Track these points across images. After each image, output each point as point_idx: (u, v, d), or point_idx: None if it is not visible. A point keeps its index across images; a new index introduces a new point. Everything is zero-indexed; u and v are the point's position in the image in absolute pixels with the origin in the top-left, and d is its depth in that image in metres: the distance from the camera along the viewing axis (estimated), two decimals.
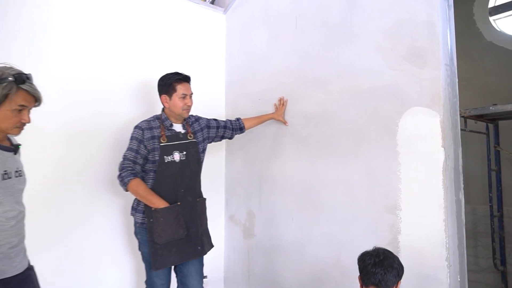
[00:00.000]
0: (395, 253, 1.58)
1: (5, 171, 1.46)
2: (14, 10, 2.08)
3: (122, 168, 1.98)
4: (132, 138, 2.02)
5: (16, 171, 1.53)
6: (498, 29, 3.17)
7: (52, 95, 2.03)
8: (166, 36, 2.75)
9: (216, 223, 2.95)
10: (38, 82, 1.52)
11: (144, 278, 2.27)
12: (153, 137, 2.02)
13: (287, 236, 2.47)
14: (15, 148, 1.56)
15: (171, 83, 2.07)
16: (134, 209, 2.06)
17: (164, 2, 2.75)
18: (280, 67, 2.59)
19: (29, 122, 1.50)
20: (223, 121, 2.40)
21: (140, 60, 2.60)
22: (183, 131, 2.12)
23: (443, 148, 1.69)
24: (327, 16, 2.27)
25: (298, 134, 2.43)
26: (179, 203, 2.01)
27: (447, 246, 1.67)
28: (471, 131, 2.69)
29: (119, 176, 1.97)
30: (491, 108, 2.34)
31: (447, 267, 1.66)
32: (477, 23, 3.31)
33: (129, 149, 2.01)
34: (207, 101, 2.89)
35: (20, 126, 1.49)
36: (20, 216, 1.53)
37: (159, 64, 2.64)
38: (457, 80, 1.83)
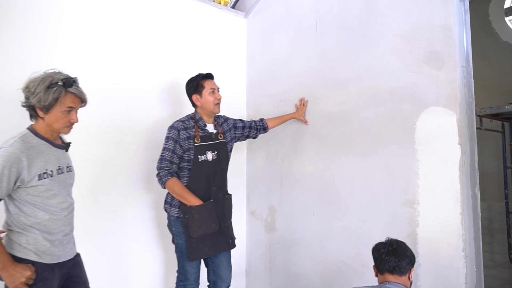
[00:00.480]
0: (413, 245, 1.69)
1: (59, 166, 1.63)
2: (52, 17, 2.25)
3: (160, 168, 2.13)
4: (168, 138, 2.16)
5: (67, 167, 1.71)
6: None
7: (89, 100, 2.20)
8: (191, 40, 2.90)
9: (238, 218, 3.08)
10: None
11: (173, 267, 2.43)
12: (188, 138, 2.16)
13: (308, 230, 2.59)
14: (66, 146, 1.73)
15: (198, 82, 2.23)
16: (169, 204, 2.21)
17: (188, 7, 2.90)
18: (300, 69, 2.71)
19: (77, 121, 1.66)
20: (248, 121, 2.54)
21: (167, 64, 2.76)
22: (214, 131, 2.26)
23: (459, 146, 1.79)
24: (346, 21, 2.38)
25: (318, 133, 2.55)
26: (212, 200, 2.15)
27: (464, 237, 1.77)
28: (486, 129, 2.77)
29: (158, 175, 2.13)
30: (506, 107, 2.42)
31: (463, 258, 1.77)
32: (493, 23, 3.37)
33: (165, 149, 2.15)
34: (229, 102, 3.01)
35: (69, 126, 1.66)
36: (70, 208, 1.70)
37: (184, 67, 2.80)
38: (473, 81, 1.93)
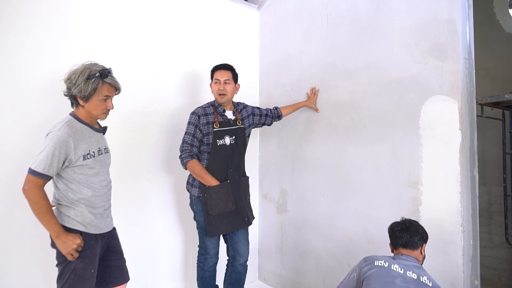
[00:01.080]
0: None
1: (99, 148, 1.83)
2: (79, 12, 2.42)
3: (182, 151, 2.33)
4: (189, 123, 2.35)
5: (105, 148, 1.90)
6: None
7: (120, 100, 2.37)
8: (207, 32, 3.06)
9: (251, 201, 3.27)
10: None
11: (192, 244, 2.63)
12: (208, 123, 2.34)
13: (318, 211, 2.79)
14: (103, 130, 1.91)
15: (211, 72, 2.43)
16: (190, 184, 2.41)
17: (204, 1, 3.05)
18: (312, 60, 2.87)
19: (112, 108, 1.85)
20: (264, 109, 2.71)
21: (185, 55, 2.93)
22: (233, 117, 2.43)
23: (460, 131, 1.96)
24: (357, 14, 2.53)
25: (328, 120, 2.73)
26: (228, 181, 2.34)
27: (462, 214, 1.96)
28: (487, 117, 2.92)
29: (180, 157, 2.33)
30: (506, 96, 2.57)
31: (461, 232, 1.95)
32: (497, 15, 3.49)
33: (187, 133, 2.35)
34: (242, 90, 3.20)
35: (106, 112, 1.84)
36: (109, 186, 1.90)
37: (201, 57, 2.98)
38: (474, 71, 2.08)
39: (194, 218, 2.45)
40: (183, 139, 2.36)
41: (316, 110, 2.78)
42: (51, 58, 2.28)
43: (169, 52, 2.84)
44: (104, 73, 1.75)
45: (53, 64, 2.27)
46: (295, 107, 2.83)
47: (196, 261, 2.49)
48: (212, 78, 2.43)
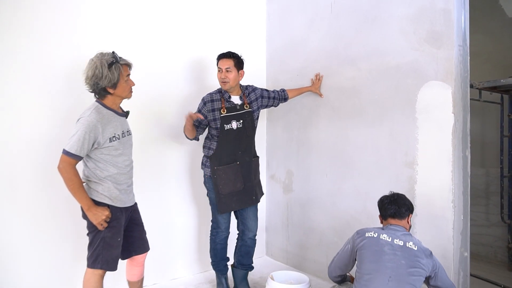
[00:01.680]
0: (411, 199, 2.05)
1: (123, 131, 2.03)
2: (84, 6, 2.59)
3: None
4: (197, 111, 2.57)
5: (127, 131, 2.10)
6: None
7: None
8: (215, 20, 3.21)
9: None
10: None
11: (204, 219, 2.86)
12: (213, 110, 2.51)
13: (321, 190, 2.98)
14: (126, 114, 2.11)
15: (216, 61, 2.57)
16: (204, 165, 2.61)
17: None
18: (316, 47, 3.01)
19: (134, 85, 2.03)
20: (272, 91, 2.83)
21: (195, 43, 3.08)
22: (240, 102, 2.59)
23: (453, 114, 2.11)
24: (358, 3, 2.65)
25: (331, 104, 2.88)
26: (238, 162, 2.53)
27: (453, 191, 2.12)
28: (485, 101, 3.04)
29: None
30: (502, 81, 2.68)
31: (452, 208, 2.13)
32: (500, 0, 3.55)
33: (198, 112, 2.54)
34: (250, 75, 3.37)
35: (131, 90, 2.04)
36: (131, 165, 2.11)
37: (210, 44, 3.14)
38: (469, 58, 2.21)
39: (207, 195, 2.66)
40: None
41: (320, 95, 2.93)
42: (71, 48, 2.47)
43: (179, 40, 3.00)
44: (117, 57, 1.93)
45: (73, 53, 2.46)
46: (300, 91, 2.98)
47: (209, 235, 2.71)
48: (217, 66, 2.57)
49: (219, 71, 2.53)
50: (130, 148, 2.10)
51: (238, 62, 2.55)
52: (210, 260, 2.73)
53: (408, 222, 1.89)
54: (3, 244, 2.27)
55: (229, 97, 2.57)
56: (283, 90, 2.90)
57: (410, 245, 1.70)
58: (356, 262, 1.84)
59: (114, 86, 1.90)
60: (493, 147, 3.50)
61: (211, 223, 2.72)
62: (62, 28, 2.45)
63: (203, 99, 2.58)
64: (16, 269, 2.31)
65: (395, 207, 1.86)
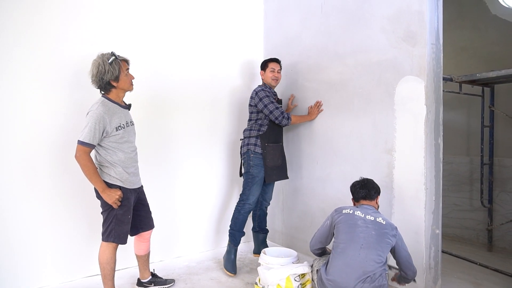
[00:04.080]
0: (390, 182, 2.31)
1: (127, 121, 2.30)
2: (97, 14, 2.86)
3: (281, 114, 3.00)
4: (267, 97, 3.00)
5: (130, 121, 2.37)
6: (503, 4, 3.59)
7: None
8: (216, 18, 3.46)
9: None
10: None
11: (208, 202, 3.15)
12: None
13: (313, 175, 3.24)
14: (128, 106, 2.38)
15: (265, 62, 3.18)
16: (254, 145, 3.05)
17: None
18: (308, 44, 3.24)
19: (134, 78, 2.31)
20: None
21: (198, 41, 3.34)
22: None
23: (425, 106, 2.35)
24: (346, 4, 2.87)
25: (322, 97, 3.13)
26: (280, 143, 3.16)
27: (425, 175, 2.37)
28: (465, 93, 3.25)
29: (283, 118, 3.01)
30: (477, 74, 2.89)
31: (424, 190, 2.37)
32: None
33: (272, 103, 2.99)
34: (249, 70, 3.64)
35: (132, 83, 2.31)
36: (136, 151, 2.38)
37: (211, 41, 3.39)
38: (442, 55, 2.43)
39: (249, 171, 3.03)
40: (274, 107, 2.98)
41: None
42: (81, 48, 2.74)
43: (180, 39, 3.26)
44: (115, 54, 2.21)
45: (82, 52, 2.73)
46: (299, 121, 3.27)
47: (235, 207, 3.11)
48: (265, 67, 3.14)
49: (271, 71, 3.11)
50: (134, 136, 2.37)
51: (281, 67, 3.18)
52: (229, 229, 3.08)
53: (376, 203, 2.17)
54: (26, 225, 2.57)
55: (275, 93, 3.18)
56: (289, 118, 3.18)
57: (380, 220, 1.97)
58: (334, 235, 2.12)
59: (117, 79, 2.18)
60: (477, 136, 3.71)
61: (239, 197, 3.10)
62: (73, 31, 2.73)
63: (265, 90, 3.04)
64: (39, 246, 2.62)
65: (365, 190, 2.14)
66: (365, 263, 1.90)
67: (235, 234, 3.02)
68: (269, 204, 3.36)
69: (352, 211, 2.04)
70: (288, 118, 3.02)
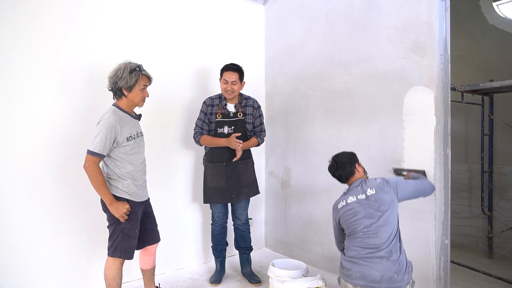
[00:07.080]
0: None
1: (137, 132, 2.23)
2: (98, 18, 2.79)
3: (194, 133, 2.85)
4: (200, 111, 2.86)
5: (140, 132, 2.30)
6: (500, 14, 3.66)
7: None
8: (216, 26, 3.42)
9: (258, 178, 3.70)
10: None
11: (209, 214, 3.10)
12: (212, 113, 2.82)
13: (317, 185, 3.22)
14: (138, 117, 2.32)
15: (221, 71, 2.79)
16: (204, 160, 2.92)
17: None
18: (312, 52, 3.23)
19: (148, 96, 2.24)
20: (259, 126, 2.94)
21: (198, 49, 3.29)
22: (234, 110, 2.83)
23: (435, 116, 2.35)
24: (351, 13, 2.88)
25: (326, 106, 3.11)
26: (223, 163, 2.77)
27: (435, 185, 2.37)
28: (467, 103, 3.29)
29: (194, 138, 2.83)
30: (481, 84, 2.93)
31: (434, 200, 2.37)
32: (482, 8, 3.79)
33: (198, 119, 2.86)
34: (250, 79, 3.59)
35: (143, 100, 2.25)
36: (144, 162, 2.32)
37: (212, 50, 3.35)
38: (449, 65, 2.44)
39: None
40: (195, 123, 2.84)
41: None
42: (89, 54, 2.67)
43: (183, 46, 3.21)
44: (141, 67, 2.16)
45: (90, 59, 2.67)
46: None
47: None
48: (221, 75, 2.77)
49: (224, 82, 2.74)
50: (143, 147, 2.31)
51: (242, 74, 2.79)
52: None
53: (359, 171, 2.10)
54: (25, 236, 2.46)
55: (226, 104, 2.83)
56: (263, 136, 2.99)
57: (371, 192, 1.94)
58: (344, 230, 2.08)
59: (130, 89, 2.12)
60: (476, 144, 3.76)
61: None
62: (82, 38, 2.66)
63: (205, 102, 2.85)
64: (38, 259, 2.51)
65: (341, 171, 2.09)
66: (378, 242, 1.85)
67: (213, 248, 3.01)
68: (243, 222, 2.95)
69: (345, 201, 2.01)
70: (198, 141, 2.80)
